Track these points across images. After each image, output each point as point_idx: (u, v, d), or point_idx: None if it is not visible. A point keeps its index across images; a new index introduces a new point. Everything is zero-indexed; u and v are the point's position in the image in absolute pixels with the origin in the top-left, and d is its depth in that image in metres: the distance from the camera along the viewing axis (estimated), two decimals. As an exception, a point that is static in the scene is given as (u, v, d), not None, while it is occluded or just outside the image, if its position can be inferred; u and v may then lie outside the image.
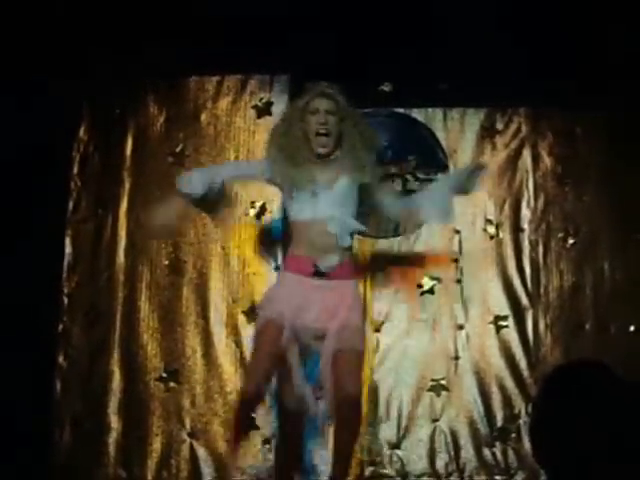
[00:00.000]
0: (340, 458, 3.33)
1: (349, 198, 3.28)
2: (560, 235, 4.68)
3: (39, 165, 4.40)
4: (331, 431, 4.44)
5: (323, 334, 3.21)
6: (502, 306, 4.60)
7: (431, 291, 4.61)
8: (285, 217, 3.63)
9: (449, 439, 4.47)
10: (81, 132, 4.69)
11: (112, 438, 4.42)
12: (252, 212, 4.55)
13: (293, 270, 3.29)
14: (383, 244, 4.68)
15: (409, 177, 4.72)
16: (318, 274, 3.23)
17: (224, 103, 4.67)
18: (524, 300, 4.61)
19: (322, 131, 3.25)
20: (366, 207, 3.43)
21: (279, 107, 4.60)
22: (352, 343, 3.20)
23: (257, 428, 4.30)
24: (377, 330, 4.55)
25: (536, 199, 4.71)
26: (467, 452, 4.46)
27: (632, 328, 4.55)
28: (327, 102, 3.28)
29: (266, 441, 4.34)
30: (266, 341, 3.24)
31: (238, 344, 4.43)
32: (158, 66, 4.57)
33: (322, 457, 4.46)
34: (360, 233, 3.31)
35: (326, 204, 3.23)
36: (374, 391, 4.49)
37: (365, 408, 4.41)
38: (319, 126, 3.25)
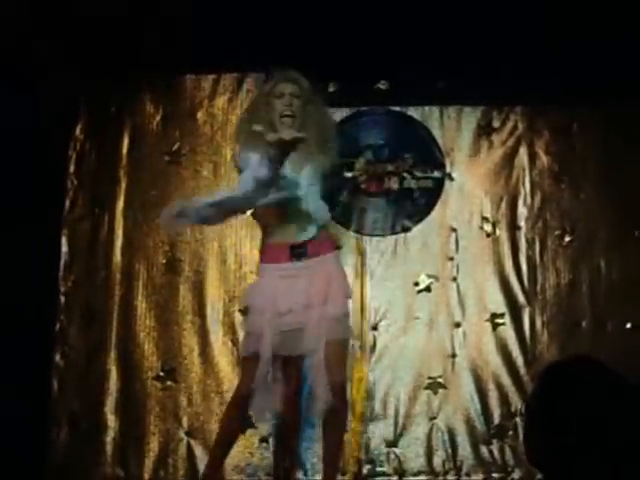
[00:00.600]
0: (330, 450, 3.33)
1: (316, 183, 3.31)
2: (557, 233, 4.68)
3: (35, 163, 4.39)
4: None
5: (309, 326, 3.18)
6: (499, 304, 4.60)
7: (428, 289, 4.62)
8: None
9: (446, 437, 4.47)
10: (77, 131, 4.69)
11: (109, 437, 4.41)
12: (249, 210, 4.54)
13: (270, 260, 3.28)
14: (378, 242, 4.68)
15: (406, 175, 4.72)
16: (296, 256, 3.22)
17: (221, 101, 4.67)
18: (521, 298, 4.62)
19: (287, 112, 3.27)
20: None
21: (275, 105, 4.60)
22: (335, 332, 3.19)
23: (254, 427, 4.30)
24: (374, 328, 4.55)
25: (533, 197, 4.72)
26: (464, 450, 4.46)
27: (629, 325, 4.56)
28: (292, 86, 3.32)
29: (263, 440, 4.33)
30: (250, 349, 3.25)
31: (235, 343, 4.43)
32: (155, 64, 4.57)
33: (319, 455, 4.46)
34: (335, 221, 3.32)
35: (302, 183, 3.25)
36: (371, 389, 4.49)
37: (362, 406, 4.43)
38: (284, 108, 3.27)
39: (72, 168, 4.66)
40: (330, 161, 3.35)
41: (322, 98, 3.46)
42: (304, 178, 3.26)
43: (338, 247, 3.49)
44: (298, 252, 3.22)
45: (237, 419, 3.42)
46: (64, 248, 4.59)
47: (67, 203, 4.63)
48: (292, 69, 3.39)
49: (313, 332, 3.17)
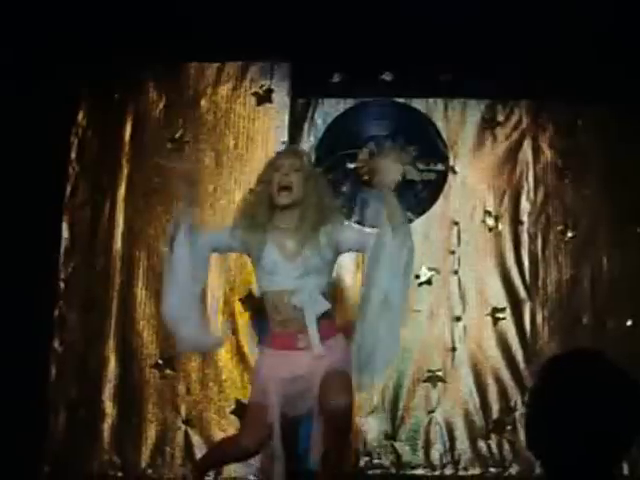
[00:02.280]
0: (326, 467, 3.31)
1: (318, 266, 3.18)
2: (559, 228, 4.67)
3: (37, 150, 4.37)
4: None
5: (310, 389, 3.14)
6: (500, 298, 4.59)
7: (429, 282, 4.61)
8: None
9: (444, 430, 4.47)
10: (79, 117, 4.67)
11: (107, 424, 4.41)
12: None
13: (278, 347, 3.21)
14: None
15: (409, 167, 4.71)
16: (289, 348, 3.16)
17: (224, 90, 4.65)
18: (522, 292, 4.61)
19: (284, 184, 3.19)
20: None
21: (279, 94, 4.59)
22: (339, 368, 3.12)
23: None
24: (374, 320, 4.54)
25: (536, 191, 4.70)
26: (462, 444, 4.46)
27: (630, 322, 4.55)
28: (292, 159, 3.26)
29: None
30: (257, 415, 3.21)
31: (234, 332, 4.41)
32: (158, 52, 4.54)
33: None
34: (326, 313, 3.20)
35: (294, 275, 3.15)
36: (370, 381, 4.48)
37: (360, 399, 4.42)
38: (282, 179, 3.19)
39: (74, 154, 4.64)
40: (329, 246, 3.19)
41: (322, 175, 3.41)
42: (297, 269, 3.16)
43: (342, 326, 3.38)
44: (286, 344, 3.16)
45: (230, 461, 3.57)
46: (65, 234, 4.58)
47: (68, 189, 4.61)
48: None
49: (316, 391, 3.11)
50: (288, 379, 3.14)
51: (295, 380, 3.14)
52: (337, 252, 3.25)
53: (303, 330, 3.13)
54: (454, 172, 4.73)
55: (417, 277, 4.58)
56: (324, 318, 3.18)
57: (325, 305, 3.17)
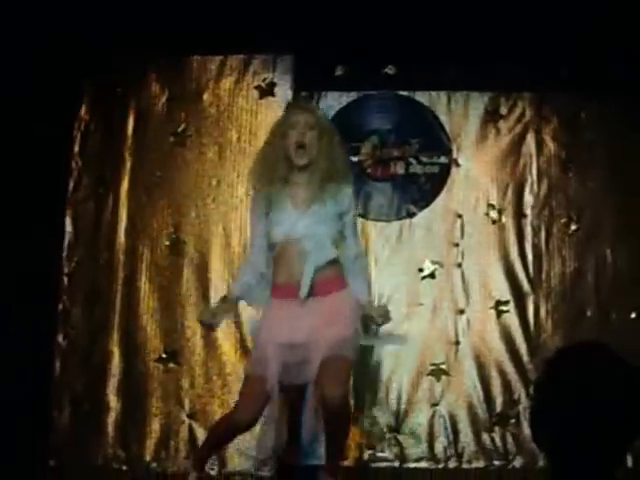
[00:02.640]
0: (329, 456, 3.33)
1: (326, 219, 3.23)
2: (563, 221, 4.66)
3: (40, 144, 4.37)
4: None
5: (308, 350, 3.14)
6: (503, 291, 4.59)
7: (432, 275, 4.60)
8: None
9: (448, 424, 4.47)
10: (82, 111, 4.67)
11: (111, 418, 4.42)
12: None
13: (278, 296, 3.25)
14: (383, 227, 4.67)
15: (412, 160, 4.71)
16: (293, 296, 3.17)
17: (227, 83, 4.64)
18: (525, 285, 4.60)
19: (301, 142, 3.24)
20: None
21: (282, 87, 4.58)
22: (339, 350, 3.11)
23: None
24: (378, 314, 4.54)
25: (539, 184, 4.69)
26: (466, 437, 4.46)
27: (633, 315, 4.55)
28: (307, 116, 3.28)
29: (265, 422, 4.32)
30: (253, 387, 3.23)
31: (238, 325, 4.41)
32: (160, 45, 4.54)
33: (320, 440, 4.47)
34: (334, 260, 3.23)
35: (303, 224, 3.20)
36: (374, 375, 4.49)
37: (364, 392, 4.42)
38: (298, 137, 3.24)
39: (76, 148, 4.64)
40: (341, 198, 3.27)
41: (335, 129, 3.40)
42: (308, 217, 3.21)
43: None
44: (290, 292, 3.17)
45: (227, 439, 3.50)
46: (68, 228, 4.58)
47: (71, 184, 4.61)
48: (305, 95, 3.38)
49: (315, 363, 3.11)
50: (287, 345, 3.14)
51: (294, 347, 3.14)
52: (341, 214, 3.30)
53: (301, 279, 3.15)
54: (457, 165, 4.72)
55: (420, 270, 4.58)
56: (330, 272, 3.20)
57: (332, 253, 3.21)
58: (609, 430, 1.35)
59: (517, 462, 4.41)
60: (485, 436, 4.45)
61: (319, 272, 3.18)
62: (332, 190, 3.25)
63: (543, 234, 4.66)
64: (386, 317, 3.23)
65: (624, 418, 1.36)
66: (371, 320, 3.28)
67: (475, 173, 4.71)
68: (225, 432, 3.42)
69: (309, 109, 3.37)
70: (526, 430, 4.38)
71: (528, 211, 4.68)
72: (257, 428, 4.15)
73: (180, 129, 4.63)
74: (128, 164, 4.62)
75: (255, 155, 3.52)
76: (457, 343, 4.54)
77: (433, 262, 4.61)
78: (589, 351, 1.42)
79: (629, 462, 4.14)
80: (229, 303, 3.42)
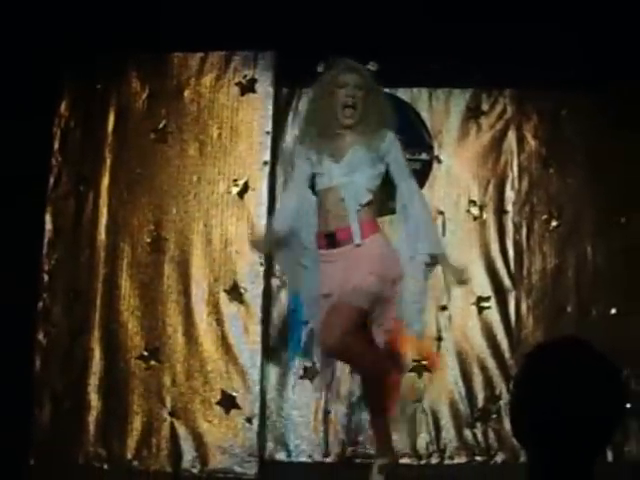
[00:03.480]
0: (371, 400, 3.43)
1: (363, 166, 3.31)
2: (544, 217, 4.68)
3: (19, 141, 4.34)
4: (313, 410, 4.48)
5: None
6: (485, 287, 4.60)
7: (416, 272, 4.60)
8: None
9: (430, 419, 4.48)
10: (62, 108, 4.64)
11: (92, 416, 4.40)
12: (235, 190, 4.52)
13: (318, 246, 3.34)
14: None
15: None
16: (330, 244, 3.26)
17: (208, 80, 4.62)
18: (507, 282, 4.62)
19: (350, 103, 3.32)
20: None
21: (263, 84, 4.57)
22: (347, 297, 3.19)
23: (239, 408, 4.30)
24: (359, 310, 4.54)
25: (520, 181, 4.71)
26: (448, 433, 4.47)
27: (613, 311, 4.57)
28: (355, 76, 3.37)
29: (248, 420, 4.32)
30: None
31: (219, 322, 4.40)
32: (141, 42, 4.51)
33: (303, 436, 4.47)
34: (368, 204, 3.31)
35: (341, 171, 3.28)
36: (356, 371, 4.49)
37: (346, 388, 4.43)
38: (347, 99, 3.32)
39: (56, 145, 4.61)
40: (380, 145, 3.34)
41: (382, 90, 3.49)
42: (343, 166, 3.28)
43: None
44: (330, 241, 3.27)
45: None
46: (48, 226, 4.55)
47: (51, 180, 4.58)
48: (349, 59, 3.44)
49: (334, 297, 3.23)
50: (328, 294, 3.24)
51: (328, 296, 3.23)
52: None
53: (345, 225, 3.24)
54: (439, 161, 4.73)
55: (402, 267, 4.58)
56: (365, 215, 3.27)
57: (367, 196, 3.29)
58: (589, 425, 1.35)
59: (499, 457, 4.43)
60: (467, 432, 4.47)
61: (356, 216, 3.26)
62: (365, 140, 3.32)
63: (524, 230, 4.68)
64: (461, 278, 3.43)
65: (603, 413, 1.37)
66: (448, 279, 3.43)
67: (456, 170, 4.72)
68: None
69: (357, 69, 3.41)
70: (508, 426, 4.39)
71: (509, 207, 4.69)
72: (239, 424, 4.19)
73: (161, 126, 4.60)
74: (108, 161, 4.60)
75: (304, 111, 3.62)
76: (439, 339, 4.55)
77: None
78: (568, 346, 1.43)
79: (609, 457, 4.17)
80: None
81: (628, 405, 1.43)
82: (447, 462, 4.43)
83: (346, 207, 3.26)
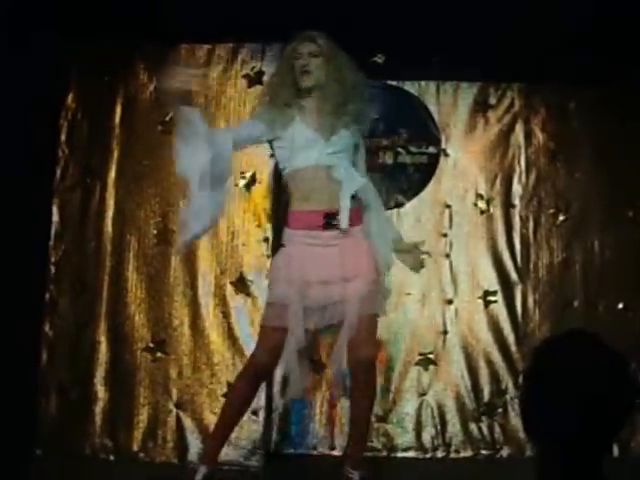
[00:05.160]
0: (357, 425, 3.34)
1: (348, 147, 3.28)
2: (551, 211, 4.68)
3: (26, 133, 4.34)
4: (319, 403, 4.48)
5: (342, 299, 3.16)
6: (491, 281, 4.60)
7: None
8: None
9: (436, 413, 4.48)
10: (69, 99, 4.63)
11: (98, 408, 4.40)
12: (242, 182, 4.52)
13: (300, 227, 3.22)
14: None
15: (400, 150, 4.70)
16: (329, 225, 3.18)
17: (215, 72, 4.61)
18: (513, 276, 4.62)
19: (305, 72, 3.29)
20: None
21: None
22: (368, 308, 3.17)
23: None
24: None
25: (528, 175, 4.70)
26: (453, 426, 4.47)
27: (620, 305, 4.57)
28: (310, 45, 3.33)
29: (254, 413, 4.32)
30: (273, 320, 3.23)
31: (226, 315, 4.41)
32: (148, 33, 4.50)
33: (308, 429, 4.48)
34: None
35: (326, 152, 3.22)
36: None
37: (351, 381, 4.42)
38: (302, 67, 3.30)
39: (63, 137, 4.60)
40: (359, 126, 3.33)
41: (345, 56, 3.40)
42: (332, 146, 3.23)
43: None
44: (332, 221, 3.17)
45: (252, 388, 3.36)
46: (55, 218, 4.55)
47: (58, 172, 4.58)
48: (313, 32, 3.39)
49: (354, 306, 3.14)
50: (326, 281, 3.14)
51: (333, 282, 3.15)
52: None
53: (331, 207, 3.15)
54: (446, 155, 4.72)
55: (409, 260, 4.58)
56: (353, 206, 3.20)
57: (361, 181, 3.24)
58: (597, 419, 1.35)
59: (504, 451, 4.43)
60: (473, 426, 4.47)
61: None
62: (352, 114, 3.28)
63: (531, 224, 4.67)
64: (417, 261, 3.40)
65: (611, 407, 1.37)
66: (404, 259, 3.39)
67: (464, 163, 4.71)
68: (249, 380, 3.32)
69: (312, 39, 3.37)
70: (513, 420, 4.40)
71: (516, 201, 4.68)
72: (245, 416, 4.18)
73: (168, 118, 4.59)
74: (115, 153, 4.59)
75: (265, 86, 3.60)
76: (445, 333, 4.55)
77: (421, 252, 4.60)
78: (577, 340, 1.43)
79: (615, 452, 4.17)
80: None
81: (636, 400, 1.43)
82: (453, 456, 4.44)
83: (341, 191, 3.18)
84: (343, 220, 3.14)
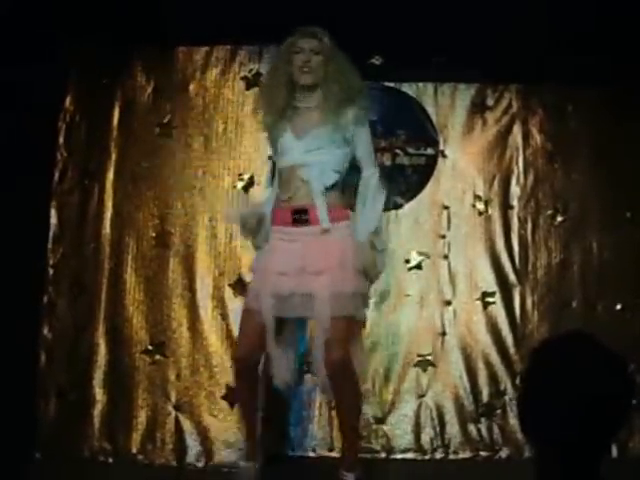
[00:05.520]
0: (343, 428, 3.39)
1: (328, 145, 3.25)
2: (549, 212, 4.68)
3: (24, 135, 4.34)
4: (318, 405, 4.47)
5: (309, 293, 3.17)
6: (490, 283, 4.60)
7: (419, 266, 4.60)
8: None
9: (434, 414, 4.48)
10: (67, 102, 4.63)
11: (97, 410, 4.40)
12: (240, 184, 4.53)
13: (275, 223, 3.29)
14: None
15: (398, 151, 4.70)
16: (296, 221, 3.19)
17: (213, 74, 4.61)
18: (512, 277, 4.62)
19: (305, 69, 3.26)
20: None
21: (268, 79, 4.56)
22: (343, 309, 3.17)
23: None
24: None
25: (526, 176, 4.70)
26: (452, 428, 4.47)
27: (619, 306, 4.57)
28: (312, 41, 3.30)
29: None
30: (249, 322, 3.28)
31: (224, 317, 4.41)
32: (146, 36, 4.51)
33: (306, 431, 4.47)
34: (334, 187, 3.27)
35: (304, 149, 3.22)
36: (360, 366, 4.48)
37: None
38: (302, 63, 3.26)
39: (62, 139, 4.60)
40: (346, 125, 3.27)
41: (345, 57, 3.39)
42: (306, 144, 3.22)
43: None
44: (299, 217, 3.20)
45: (245, 383, 3.42)
46: (53, 220, 4.55)
47: (56, 175, 4.58)
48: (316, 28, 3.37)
49: (323, 304, 3.15)
50: (285, 273, 3.16)
51: (295, 276, 3.16)
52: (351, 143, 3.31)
53: (309, 205, 3.17)
54: (444, 156, 4.72)
55: (407, 262, 4.58)
56: (331, 199, 3.21)
57: (333, 177, 3.22)
58: (595, 420, 1.35)
59: (503, 453, 4.42)
60: (471, 427, 4.47)
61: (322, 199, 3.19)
62: (331, 118, 3.24)
63: (529, 226, 4.67)
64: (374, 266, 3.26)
65: (609, 408, 1.37)
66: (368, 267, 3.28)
67: (462, 164, 4.71)
68: (242, 375, 3.40)
69: (315, 35, 3.34)
70: (512, 421, 4.40)
71: (514, 202, 4.69)
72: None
73: (166, 120, 4.60)
74: (113, 155, 4.60)
75: (263, 81, 3.56)
76: (443, 334, 4.55)
77: (420, 253, 4.61)
78: (575, 341, 1.43)
79: (614, 452, 4.17)
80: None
81: (634, 401, 1.43)
82: (451, 457, 4.43)
83: (311, 189, 3.19)
84: (322, 218, 3.17)
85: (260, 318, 3.21)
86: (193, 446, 4.33)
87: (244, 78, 4.60)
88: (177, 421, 4.37)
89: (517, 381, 4.42)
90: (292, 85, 3.30)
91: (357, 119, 3.30)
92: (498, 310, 4.58)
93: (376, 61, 4.72)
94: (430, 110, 4.73)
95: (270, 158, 3.66)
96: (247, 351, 3.29)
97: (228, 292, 4.44)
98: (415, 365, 4.52)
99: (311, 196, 3.19)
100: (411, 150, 4.71)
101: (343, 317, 3.18)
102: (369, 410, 4.46)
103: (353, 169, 3.44)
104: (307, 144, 3.23)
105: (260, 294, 3.22)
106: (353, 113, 3.28)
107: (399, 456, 4.44)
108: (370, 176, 3.38)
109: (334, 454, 4.38)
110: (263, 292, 3.21)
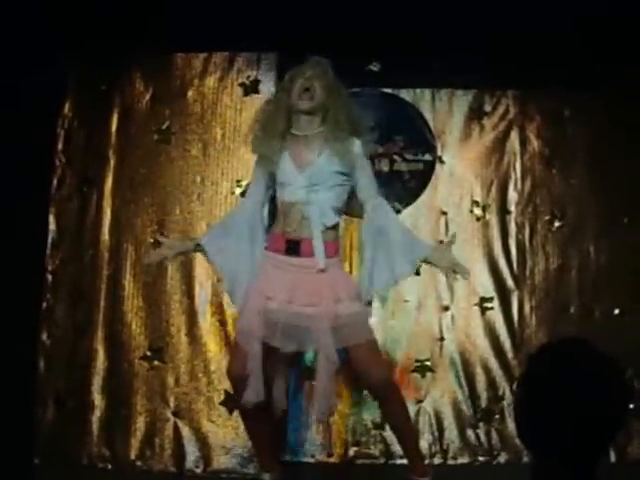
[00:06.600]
0: (402, 442, 3.47)
1: (330, 181, 3.23)
2: (546, 218, 4.68)
3: (23, 142, 4.35)
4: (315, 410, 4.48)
5: (306, 326, 3.16)
6: (487, 288, 4.60)
7: (417, 272, 4.59)
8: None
9: (433, 420, 4.48)
10: (66, 108, 4.64)
11: (96, 416, 4.40)
12: (238, 190, 4.53)
13: (270, 248, 3.28)
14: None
15: (396, 157, 4.71)
16: (289, 251, 3.19)
17: (211, 80, 4.62)
18: (509, 282, 4.62)
19: (306, 86, 3.20)
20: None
21: (266, 85, 4.57)
22: (362, 335, 3.20)
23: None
24: (362, 311, 4.54)
25: (523, 181, 4.71)
26: (451, 433, 4.47)
27: (617, 311, 4.57)
28: (315, 68, 3.27)
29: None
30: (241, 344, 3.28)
31: (223, 323, 4.42)
32: (144, 42, 4.52)
33: (305, 437, 4.47)
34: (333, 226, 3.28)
35: (306, 183, 3.20)
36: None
37: (349, 388, 4.43)
38: (303, 87, 3.21)
39: (60, 146, 4.61)
40: (349, 157, 3.22)
41: (346, 91, 3.38)
42: (307, 178, 3.20)
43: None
44: (291, 248, 3.20)
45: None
46: (52, 226, 4.56)
47: (55, 181, 4.59)
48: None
49: (325, 337, 3.13)
50: (272, 298, 3.16)
51: (282, 302, 3.15)
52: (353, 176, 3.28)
53: (305, 239, 3.18)
54: (442, 162, 4.73)
55: (405, 267, 4.58)
56: (328, 236, 3.21)
57: (333, 219, 3.22)
58: (592, 426, 1.36)
59: (502, 458, 4.43)
60: (470, 432, 4.47)
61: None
62: (335, 147, 3.21)
63: (527, 231, 4.68)
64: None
65: (606, 414, 1.37)
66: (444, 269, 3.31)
67: (459, 170, 4.72)
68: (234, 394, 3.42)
69: (319, 63, 3.31)
70: (511, 426, 4.40)
71: (512, 208, 4.69)
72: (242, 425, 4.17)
73: (164, 126, 4.61)
74: (112, 161, 4.60)
75: (254, 115, 3.49)
76: (442, 340, 4.55)
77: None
78: (571, 347, 1.43)
79: (612, 457, 4.18)
80: (186, 243, 3.49)
81: (631, 406, 1.44)
82: (450, 462, 4.43)
83: (310, 227, 3.18)
84: (319, 259, 3.16)
85: (251, 339, 3.19)
86: (192, 452, 4.33)
87: (242, 85, 4.61)
88: (176, 427, 4.37)
89: (515, 386, 4.43)
90: (290, 114, 3.26)
91: (362, 151, 3.28)
92: (496, 315, 4.58)
93: (374, 67, 4.73)
94: (428, 116, 4.75)
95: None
96: (238, 373, 3.26)
97: (226, 298, 4.42)
98: (413, 370, 4.52)
99: (309, 232, 3.19)
100: (409, 156, 4.72)
101: (362, 343, 3.20)
102: (368, 415, 4.47)
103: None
104: (309, 178, 3.19)
105: (250, 315, 3.20)
106: (359, 144, 3.26)
107: (398, 462, 4.43)
108: (378, 205, 3.31)
109: (333, 460, 4.39)
110: (251, 312, 3.20)
